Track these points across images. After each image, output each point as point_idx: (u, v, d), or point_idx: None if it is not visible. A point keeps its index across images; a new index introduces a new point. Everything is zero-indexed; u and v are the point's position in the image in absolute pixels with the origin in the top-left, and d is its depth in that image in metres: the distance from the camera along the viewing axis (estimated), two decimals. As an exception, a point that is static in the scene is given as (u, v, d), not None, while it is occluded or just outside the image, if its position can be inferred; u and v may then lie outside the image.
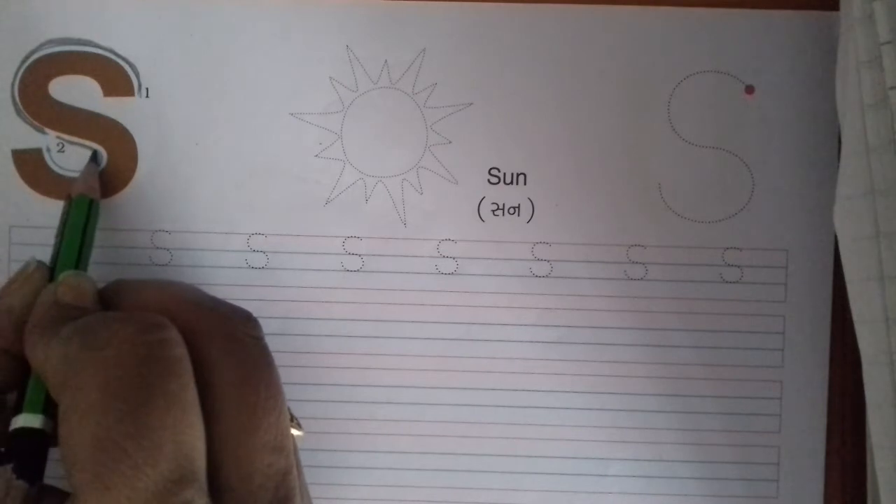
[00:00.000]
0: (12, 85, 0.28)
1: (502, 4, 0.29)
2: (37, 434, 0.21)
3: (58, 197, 0.28)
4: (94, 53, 0.28)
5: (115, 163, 0.29)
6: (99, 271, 0.29)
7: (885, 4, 0.24)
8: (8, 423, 0.21)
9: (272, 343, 0.29)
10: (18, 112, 0.28)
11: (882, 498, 0.26)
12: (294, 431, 0.23)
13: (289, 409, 0.24)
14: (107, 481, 0.18)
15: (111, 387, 0.19)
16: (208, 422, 0.20)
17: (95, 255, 0.29)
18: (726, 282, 0.29)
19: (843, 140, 0.26)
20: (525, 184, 0.29)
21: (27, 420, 0.21)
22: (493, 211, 0.29)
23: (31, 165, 0.28)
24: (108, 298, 0.23)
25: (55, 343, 0.21)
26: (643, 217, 0.29)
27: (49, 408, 0.21)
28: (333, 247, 0.29)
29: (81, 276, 0.24)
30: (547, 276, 0.29)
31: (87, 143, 0.29)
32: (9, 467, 0.20)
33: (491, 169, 0.29)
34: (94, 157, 0.28)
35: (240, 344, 0.22)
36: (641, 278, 0.29)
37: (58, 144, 0.28)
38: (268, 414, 0.21)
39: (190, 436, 0.20)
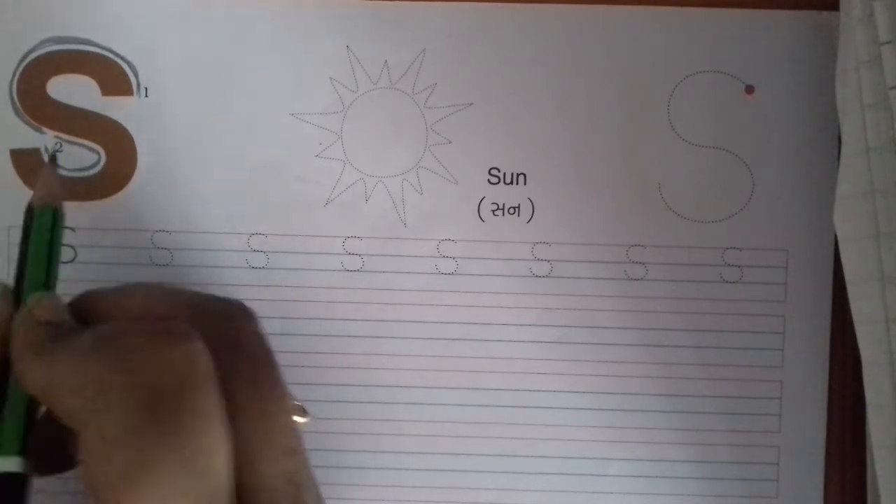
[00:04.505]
0: (10, 84, 0.28)
1: (502, 4, 0.29)
2: (16, 478, 0.20)
3: (57, 197, 0.28)
4: (93, 53, 0.28)
5: (115, 163, 0.29)
6: (99, 271, 0.29)
7: (885, 4, 0.24)
8: None
9: (272, 343, 0.29)
10: (17, 112, 0.28)
11: (882, 498, 0.26)
12: (298, 419, 0.22)
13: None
14: None
15: (143, 410, 0.18)
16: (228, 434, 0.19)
17: (95, 255, 0.29)
18: (726, 282, 0.29)
19: (843, 140, 0.26)
20: (525, 184, 0.29)
21: (4, 465, 0.20)
22: (493, 211, 0.29)
23: (29, 165, 0.28)
24: (84, 311, 0.21)
25: (58, 362, 0.19)
26: (643, 217, 0.29)
27: (25, 447, 0.20)
28: (333, 247, 0.29)
29: (52, 295, 0.22)
30: (547, 276, 0.29)
31: (86, 142, 0.28)
32: None
33: (491, 169, 0.29)
34: (53, 158, 0.27)
35: (246, 345, 0.21)
36: (641, 278, 0.29)
37: (56, 144, 0.28)
38: (280, 416, 0.20)
39: (222, 456, 0.19)
